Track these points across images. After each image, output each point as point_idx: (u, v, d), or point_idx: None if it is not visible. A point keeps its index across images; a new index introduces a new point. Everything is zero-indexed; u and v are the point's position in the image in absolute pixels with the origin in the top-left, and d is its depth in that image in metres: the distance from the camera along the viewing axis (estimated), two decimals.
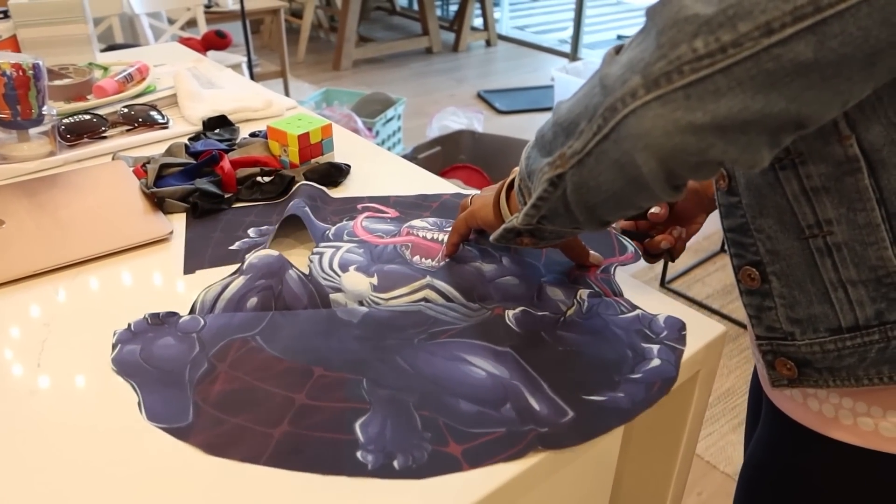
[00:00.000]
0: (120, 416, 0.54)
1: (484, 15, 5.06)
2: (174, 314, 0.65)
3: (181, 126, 1.08)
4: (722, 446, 1.79)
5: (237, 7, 3.34)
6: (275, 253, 0.70)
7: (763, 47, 0.39)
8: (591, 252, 0.73)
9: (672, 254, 0.72)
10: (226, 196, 0.85)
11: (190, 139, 1.01)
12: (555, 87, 3.62)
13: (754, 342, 0.60)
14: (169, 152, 0.95)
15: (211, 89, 1.19)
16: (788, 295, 0.56)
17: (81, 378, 0.58)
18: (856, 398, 0.56)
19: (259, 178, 0.89)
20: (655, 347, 0.61)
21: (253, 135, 1.01)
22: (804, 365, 0.57)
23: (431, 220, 0.80)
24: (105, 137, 1.03)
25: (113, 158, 0.97)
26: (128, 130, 1.06)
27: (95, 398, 0.56)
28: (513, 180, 0.63)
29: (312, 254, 0.73)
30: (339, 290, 0.68)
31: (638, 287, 0.71)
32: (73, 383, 0.58)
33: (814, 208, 0.51)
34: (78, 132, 1.01)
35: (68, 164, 0.96)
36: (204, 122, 1.06)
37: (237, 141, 1.00)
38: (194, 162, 0.90)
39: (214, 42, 2.96)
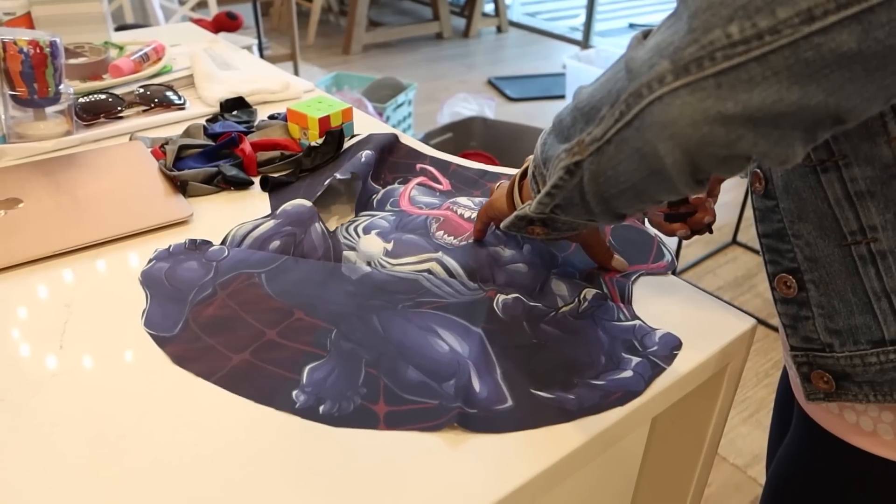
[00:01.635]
0: (140, 398, 0.54)
1: (495, 1, 5.02)
2: (209, 243, 0.72)
3: (198, 107, 1.07)
4: (731, 438, 1.78)
5: None
6: (308, 203, 0.75)
7: (803, 35, 0.36)
8: (616, 256, 0.71)
9: (711, 227, 0.72)
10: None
11: (208, 121, 1.00)
12: (567, 75, 3.58)
13: (788, 352, 0.59)
14: (187, 133, 0.94)
15: (227, 71, 1.18)
16: (827, 304, 0.54)
17: (104, 360, 0.57)
18: None
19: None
20: (635, 360, 0.59)
21: (272, 117, 1.00)
22: (843, 378, 0.55)
23: (478, 199, 0.80)
24: (121, 117, 1.02)
25: (130, 139, 0.96)
26: (144, 111, 1.04)
27: (117, 380, 0.55)
28: (526, 169, 0.61)
29: (349, 224, 0.76)
30: (353, 248, 0.72)
31: (676, 286, 0.70)
32: (95, 365, 0.57)
33: (857, 214, 0.50)
34: (94, 112, 1.00)
35: (85, 144, 0.95)
36: (221, 104, 1.05)
37: (255, 123, 0.99)
38: (213, 144, 0.89)
39: (225, 24, 2.94)
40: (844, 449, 0.59)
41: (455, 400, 0.54)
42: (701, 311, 0.66)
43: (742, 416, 1.85)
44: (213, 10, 3.06)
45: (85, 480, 0.47)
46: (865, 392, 0.54)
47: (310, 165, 0.86)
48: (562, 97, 3.75)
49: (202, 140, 0.91)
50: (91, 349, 0.59)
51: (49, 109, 0.95)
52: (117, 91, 1.06)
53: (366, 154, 0.84)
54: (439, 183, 0.86)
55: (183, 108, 1.06)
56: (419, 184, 0.85)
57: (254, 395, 0.54)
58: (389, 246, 0.71)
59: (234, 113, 1.03)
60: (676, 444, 0.71)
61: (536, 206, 0.53)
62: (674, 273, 0.72)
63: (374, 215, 0.78)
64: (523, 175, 0.62)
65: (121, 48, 1.22)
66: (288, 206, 0.75)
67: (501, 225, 0.60)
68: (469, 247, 0.71)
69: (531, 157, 0.58)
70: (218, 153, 0.88)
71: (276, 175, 0.85)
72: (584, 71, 3.47)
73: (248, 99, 1.07)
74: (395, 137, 0.91)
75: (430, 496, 0.46)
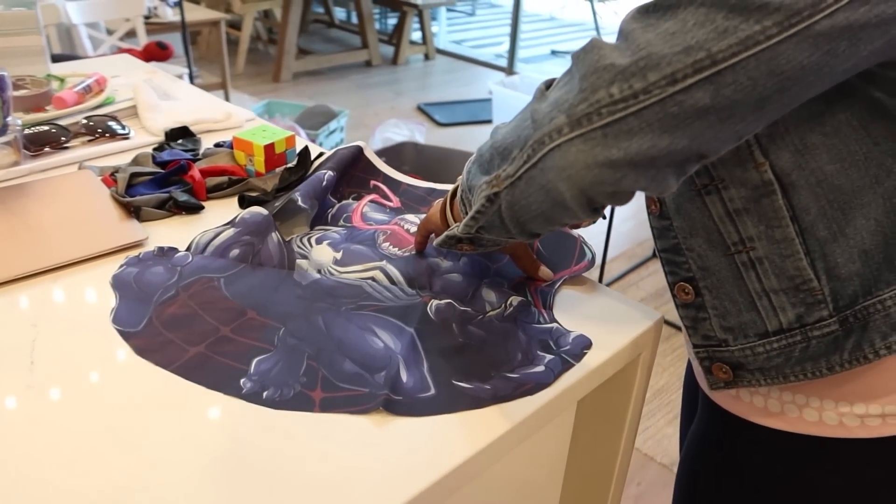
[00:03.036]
0: (116, 405, 0.58)
1: (422, 29, 5.16)
2: (175, 250, 0.79)
3: (143, 137, 1.11)
4: (658, 439, 1.90)
5: (177, 18, 3.33)
6: (264, 212, 0.82)
7: (668, 94, 0.47)
8: (543, 267, 0.79)
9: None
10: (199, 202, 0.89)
11: (155, 149, 1.04)
12: (493, 101, 3.73)
13: (691, 350, 0.68)
14: (136, 162, 0.98)
15: (168, 101, 1.22)
16: (720, 306, 0.63)
17: (75, 373, 0.62)
18: (795, 391, 0.63)
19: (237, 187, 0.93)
20: (549, 357, 0.67)
21: (217, 145, 1.05)
22: (738, 368, 0.64)
23: (424, 216, 0.87)
24: (67, 148, 1.05)
25: (79, 168, 0.99)
26: (89, 141, 1.08)
27: (90, 391, 0.60)
28: (456, 188, 0.70)
29: (303, 235, 0.84)
30: (306, 257, 0.79)
31: (597, 288, 0.79)
32: (69, 377, 0.61)
33: (737, 227, 0.59)
34: (40, 143, 1.03)
35: (34, 174, 0.98)
36: (167, 133, 1.09)
37: (201, 151, 1.04)
38: (163, 171, 0.94)
39: (156, 53, 2.95)
40: (742, 425, 0.68)
41: (383, 388, 0.61)
42: (615, 310, 0.75)
43: (667, 419, 1.97)
44: (143, 39, 3.05)
45: (66, 482, 0.51)
46: (757, 378, 0.64)
47: (286, 182, 0.93)
48: (489, 122, 3.89)
49: (151, 168, 0.96)
50: (62, 364, 0.63)
51: None
52: (62, 122, 1.09)
53: (328, 176, 0.91)
54: (390, 200, 0.94)
55: (128, 138, 1.10)
56: (371, 201, 0.93)
57: (206, 382, 0.62)
58: (339, 255, 0.79)
59: (180, 141, 1.08)
60: (601, 426, 0.79)
61: (464, 227, 0.62)
62: (600, 281, 0.81)
63: (327, 229, 0.85)
64: (454, 194, 0.70)
65: (62, 80, 1.24)
66: (245, 213, 0.82)
67: (434, 243, 0.69)
68: (411, 258, 0.79)
69: (461, 177, 0.66)
70: (167, 180, 0.92)
71: (252, 194, 0.91)
72: (509, 96, 3.62)
73: (192, 128, 1.12)
74: (359, 150, 0.99)
75: (374, 476, 0.53)
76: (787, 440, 0.65)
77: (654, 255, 2.69)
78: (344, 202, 0.91)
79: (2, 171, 0.95)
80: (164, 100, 1.22)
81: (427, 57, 5.26)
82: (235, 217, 0.82)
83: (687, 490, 0.77)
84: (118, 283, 0.74)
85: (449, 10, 6.38)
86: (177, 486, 0.51)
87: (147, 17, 3.20)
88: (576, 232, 0.85)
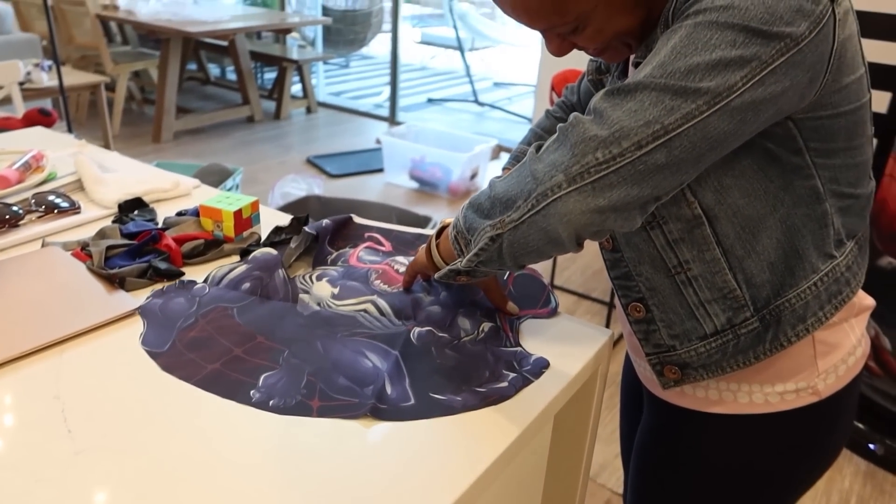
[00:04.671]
0: (158, 447, 0.64)
1: (303, 83, 5.24)
2: (194, 282, 0.92)
3: (94, 210, 1.13)
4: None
5: (53, 83, 3.23)
6: (273, 252, 0.96)
7: (637, 156, 0.63)
8: (510, 303, 0.92)
9: None
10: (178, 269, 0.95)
11: (114, 221, 1.07)
12: (383, 150, 3.87)
13: (643, 358, 0.82)
14: (103, 235, 1.01)
15: (109, 173, 1.25)
16: (667, 318, 0.78)
17: (112, 428, 0.66)
18: (730, 381, 0.79)
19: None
20: (512, 375, 0.79)
21: (180, 213, 1.10)
22: (685, 367, 0.79)
23: (412, 258, 0.99)
24: (18, 226, 1.06)
25: (43, 245, 1.01)
26: (39, 217, 1.09)
27: (131, 439, 0.65)
28: (438, 233, 0.83)
29: (306, 273, 0.97)
30: (307, 292, 0.92)
31: (566, 319, 0.92)
32: (108, 433, 0.66)
33: (676, 253, 0.75)
34: None
35: None
36: (120, 206, 1.13)
37: (161, 220, 1.09)
38: (135, 242, 0.98)
39: (38, 120, 2.84)
40: (689, 415, 0.83)
41: (371, 398, 0.73)
42: (576, 332, 0.88)
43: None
44: (20, 107, 2.94)
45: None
46: (701, 373, 0.79)
47: (279, 238, 1.03)
48: (380, 171, 4.02)
49: (120, 240, 1.00)
50: (96, 423, 0.67)
51: None
52: (8, 201, 1.10)
53: (325, 222, 1.05)
54: (383, 245, 1.06)
55: (78, 212, 1.12)
56: (366, 247, 1.05)
57: (221, 392, 0.73)
58: (336, 290, 0.91)
59: (136, 213, 1.12)
60: (572, 432, 0.92)
61: (467, 262, 0.74)
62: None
63: (326, 269, 0.98)
64: (436, 236, 0.82)
65: None
66: (258, 252, 0.97)
67: (435, 276, 0.80)
68: (399, 293, 0.91)
69: (445, 223, 0.80)
70: (141, 250, 0.97)
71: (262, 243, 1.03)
72: (398, 145, 3.78)
73: (144, 199, 1.16)
74: (350, 217, 1.13)
75: (351, 472, 0.62)
76: (727, 421, 0.80)
77: (551, 283, 2.90)
78: (341, 251, 1.03)
79: None
80: (104, 172, 1.25)
81: (309, 110, 5.34)
82: (248, 255, 0.96)
83: (643, 478, 0.91)
84: (146, 312, 0.86)
85: (325, 63, 6.52)
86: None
87: (22, 84, 3.09)
88: (546, 281, 0.99)
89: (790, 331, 0.74)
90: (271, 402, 0.72)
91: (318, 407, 0.72)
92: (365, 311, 0.88)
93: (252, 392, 0.73)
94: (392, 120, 5.06)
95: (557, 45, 0.75)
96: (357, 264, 0.99)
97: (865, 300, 0.80)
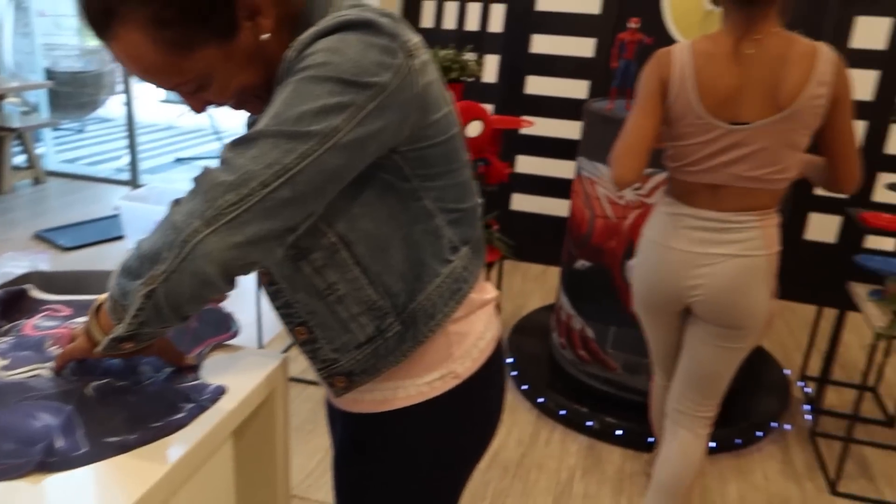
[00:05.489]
0: None
1: (27, 152, 4.81)
2: None
3: None
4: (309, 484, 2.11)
5: None
6: None
7: (265, 194, 0.71)
8: (186, 357, 0.94)
9: None
10: None
11: None
12: (122, 215, 3.67)
13: (316, 372, 0.91)
14: None
15: None
16: (328, 335, 0.87)
17: None
18: (388, 380, 0.89)
19: None
20: (189, 405, 0.84)
21: None
22: (350, 375, 0.89)
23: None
24: None
25: None
26: None
27: None
28: (95, 311, 0.84)
29: None
30: None
31: (241, 349, 0.98)
32: None
33: (324, 278, 0.84)
34: None
35: None
36: None
37: None
38: None
39: None
40: (364, 418, 0.93)
41: (37, 455, 0.74)
42: (252, 359, 0.96)
43: None
44: None
45: None
46: (363, 378, 0.89)
47: None
48: (120, 238, 3.80)
49: None
50: None
51: None
52: None
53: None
54: (61, 311, 1.05)
55: None
56: (44, 315, 1.03)
57: None
58: (7, 362, 0.92)
59: None
60: (259, 449, 0.98)
61: (126, 326, 0.76)
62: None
63: (2, 341, 0.97)
64: (95, 317, 0.83)
65: None
66: None
67: (95, 350, 0.82)
68: None
69: (100, 301, 0.82)
70: None
71: None
72: (138, 209, 3.61)
73: None
74: (24, 291, 1.10)
75: None
76: (395, 417, 0.91)
77: None
78: (14, 322, 1.01)
79: None
80: None
81: (37, 181, 4.89)
82: None
83: (339, 485, 0.99)
84: None
85: (55, 129, 6.01)
86: None
87: None
88: (228, 310, 1.05)
89: (424, 328, 0.88)
90: None
91: None
92: (38, 375, 0.88)
93: None
94: (134, 183, 4.82)
95: (191, 101, 0.83)
96: (32, 332, 0.99)
97: (486, 295, 0.96)
